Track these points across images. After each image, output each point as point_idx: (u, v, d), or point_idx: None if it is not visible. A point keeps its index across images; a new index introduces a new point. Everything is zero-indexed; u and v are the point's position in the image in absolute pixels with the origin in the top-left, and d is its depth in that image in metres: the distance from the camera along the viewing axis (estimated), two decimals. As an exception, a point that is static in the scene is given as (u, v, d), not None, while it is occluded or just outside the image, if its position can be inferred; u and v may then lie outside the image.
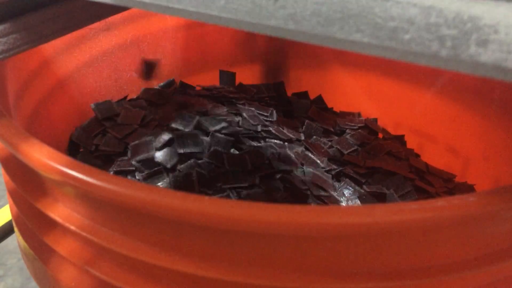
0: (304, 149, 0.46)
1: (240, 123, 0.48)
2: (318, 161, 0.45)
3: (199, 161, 0.42)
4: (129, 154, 0.43)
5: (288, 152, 0.45)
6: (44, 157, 0.23)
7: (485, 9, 0.18)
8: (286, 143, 0.46)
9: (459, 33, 0.16)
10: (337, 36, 0.17)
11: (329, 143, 0.49)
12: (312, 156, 0.45)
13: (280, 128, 0.49)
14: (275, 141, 0.46)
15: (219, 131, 0.45)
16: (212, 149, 0.43)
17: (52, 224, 0.26)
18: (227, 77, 0.58)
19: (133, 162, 0.42)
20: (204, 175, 0.40)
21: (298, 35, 0.17)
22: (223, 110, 0.49)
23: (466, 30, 0.16)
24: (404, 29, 0.17)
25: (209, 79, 0.58)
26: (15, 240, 0.54)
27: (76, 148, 0.45)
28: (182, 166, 0.41)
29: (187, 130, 0.44)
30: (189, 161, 0.41)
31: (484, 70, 0.14)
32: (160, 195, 0.20)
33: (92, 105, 0.47)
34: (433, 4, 0.19)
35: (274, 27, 0.18)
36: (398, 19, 0.18)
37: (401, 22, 0.17)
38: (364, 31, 0.17)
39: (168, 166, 0.41)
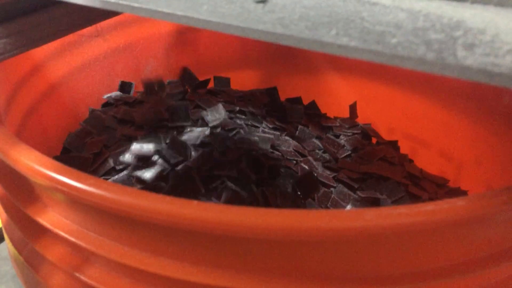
0: (299, 154, 0.47)
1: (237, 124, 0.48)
2: (315, 163, 0.45)
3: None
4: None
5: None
6: (32, 162, 0.22)
7: (472, 13, 0.18)
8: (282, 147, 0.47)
9: (446, 37, 0.16)
10: (325, 40, 0.17)
11: (323, 149, 0.49)
12: (310, 159, 0.46)
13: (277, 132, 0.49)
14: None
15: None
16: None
17: (41, 230, 0.26)
18: (222, 82, 0.58)
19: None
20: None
21: (286, 39, 0.17)
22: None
23: (453, 35, 0.17)
24: (391, 33, 0.17)
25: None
26: (8, 246, 0.53)
27: (69, 153, 0.45)
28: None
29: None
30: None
31: (470, 74, 0.14)
32: (149, 200, 0.20)
33: (82, 123, 0.47)
34: (421, 8, 0.19)
35: (262, 31, 0.18)
36: (385, 23, 0.18)
37: (389, 26, 0.17)
38: (351, 35, 0.17)
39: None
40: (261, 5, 0.20)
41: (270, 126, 0.51)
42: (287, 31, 0.17)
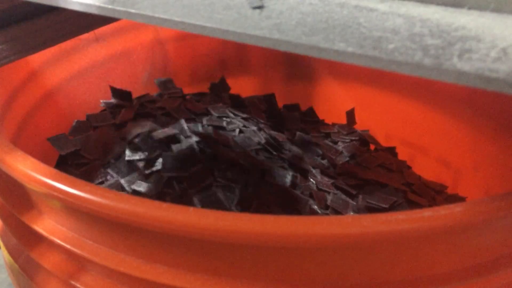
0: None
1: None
2: (313, 171, 0.45)
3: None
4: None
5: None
6: (28, 169, 0.22)
7: (469, 19, 0.18)
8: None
9: (443, 43, 0.16)
10: (322, 46, 0.17)
11: (321, 155, 0.49)
12: (309, 166, 0.46)
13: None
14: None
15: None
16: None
17: (37, 238, 0.26)
18: (220, 89, 0.58)
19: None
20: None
21: (283, 45, 0.17)
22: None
23: (450, 40, 0.17)
24: (388, 38, 0.17)
25: (200, 91, 0.58)
26: (4, 254, 0.53)
27: (66, 161, 0.45)
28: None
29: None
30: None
31: (467, 79, 0.14)
32: (145, 206, 0.20)
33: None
34: (418, 14, 0.19)
35: (259, 37, 0.18)
36: (382, 29, 0.18)
37: (386, 32, 0.17)
38: (348, 41, 0.17)
39: None
40: (258, 11, 0.20)
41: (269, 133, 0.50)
42: (284, 37, 0.17)
